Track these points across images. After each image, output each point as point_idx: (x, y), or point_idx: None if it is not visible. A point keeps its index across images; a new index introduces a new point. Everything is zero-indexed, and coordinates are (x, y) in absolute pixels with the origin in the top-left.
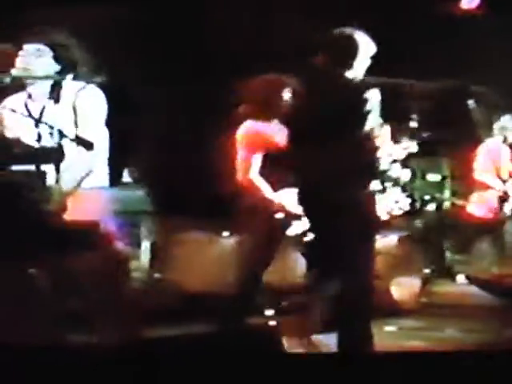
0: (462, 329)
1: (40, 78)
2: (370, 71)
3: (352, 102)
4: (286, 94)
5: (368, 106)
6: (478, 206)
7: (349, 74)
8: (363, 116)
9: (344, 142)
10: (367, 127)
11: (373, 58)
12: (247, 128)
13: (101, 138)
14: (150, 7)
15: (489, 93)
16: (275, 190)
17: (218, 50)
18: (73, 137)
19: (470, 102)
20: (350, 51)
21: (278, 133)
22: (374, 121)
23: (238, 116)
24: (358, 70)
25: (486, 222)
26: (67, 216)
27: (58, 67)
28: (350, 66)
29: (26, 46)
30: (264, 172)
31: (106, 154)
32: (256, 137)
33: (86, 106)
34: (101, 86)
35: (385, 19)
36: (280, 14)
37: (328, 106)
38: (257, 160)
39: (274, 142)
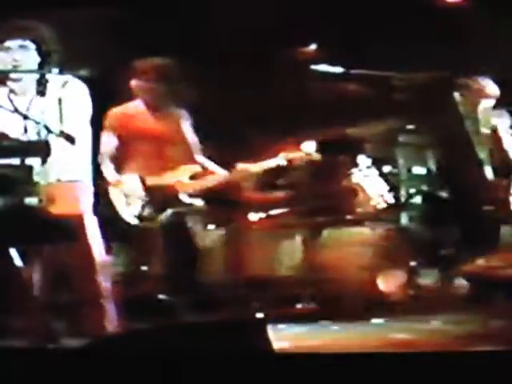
0: (449, 321)
1: (26, 72)
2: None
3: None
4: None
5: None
6: None
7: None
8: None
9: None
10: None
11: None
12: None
13: (84, 132)
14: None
15: (474, 85)
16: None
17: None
18: (57, 131)
19: (456, 94)
20: (480, 93)
21: (139, 114)
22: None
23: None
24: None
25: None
26: (52, 209)
27: (41, 61)
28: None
29: (9, 42)
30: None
31: (90, 148)
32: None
33: (71, 100)
34: (86, 79)
35: (371, 11)
36: None
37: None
38: (109, 140)
39: (136, 125)
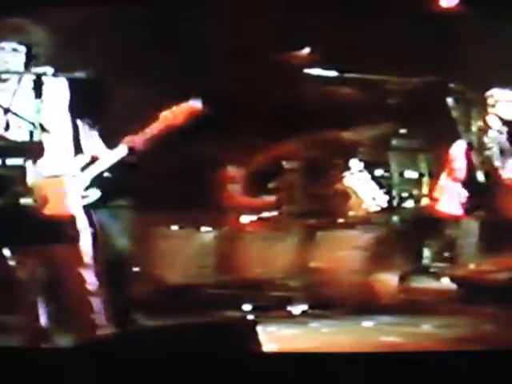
0: (439, 324)
1: (18, 73)
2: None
3: None
4: None
5: None
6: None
7: None
8: None
9: None
10: None
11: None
12: None
13: (63, 125)
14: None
15: (467, 90)
16: None
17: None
18: (35, 123)
19: (449, 100)
20: None
21: None
22: None
23: None
24: None
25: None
26: (45, 209)
27: (33, 64)
28: None
29: (2, 44)
30: None
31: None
32: None
33: (50, 93)
34: (80, 81)
35: (364, 17)
36: None
37: None
38: None
39: None
